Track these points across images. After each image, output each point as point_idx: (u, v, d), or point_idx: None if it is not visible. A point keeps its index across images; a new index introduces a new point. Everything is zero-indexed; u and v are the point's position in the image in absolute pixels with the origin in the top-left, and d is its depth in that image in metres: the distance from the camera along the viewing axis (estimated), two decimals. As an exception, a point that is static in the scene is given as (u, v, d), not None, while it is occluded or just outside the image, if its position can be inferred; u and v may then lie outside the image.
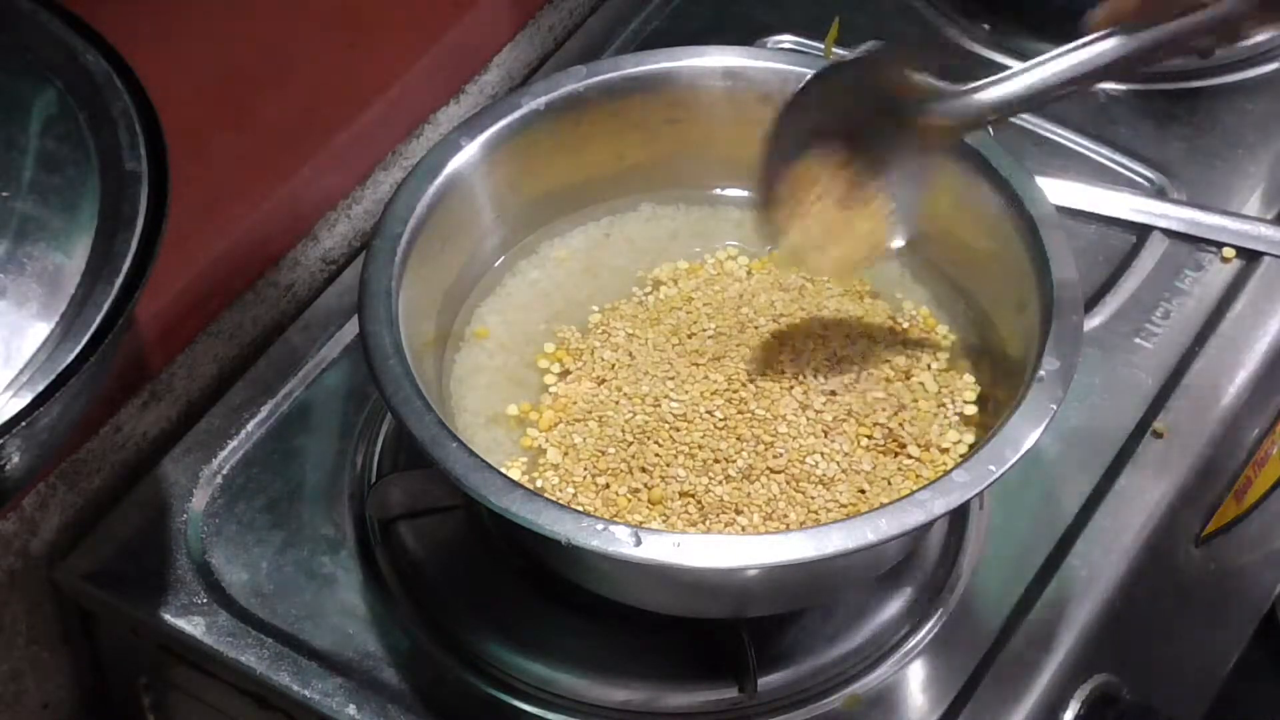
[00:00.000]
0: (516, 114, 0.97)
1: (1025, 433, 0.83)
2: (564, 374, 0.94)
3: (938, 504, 0.81)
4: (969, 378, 0.94)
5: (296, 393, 1.04)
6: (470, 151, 0.95)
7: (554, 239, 1.01)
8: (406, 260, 0.91)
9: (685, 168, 1.01)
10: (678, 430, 0.91)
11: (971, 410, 0.93)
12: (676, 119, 1.00)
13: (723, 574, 0.82)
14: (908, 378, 0.94)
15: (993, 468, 0.82)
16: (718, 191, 1.02)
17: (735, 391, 0.92)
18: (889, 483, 0.89)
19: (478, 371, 0.96)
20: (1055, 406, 0.84)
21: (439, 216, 0.93)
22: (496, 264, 0.99)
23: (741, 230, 1.01)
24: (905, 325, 0.97)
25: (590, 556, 0.81)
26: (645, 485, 0.89)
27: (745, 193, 1.02)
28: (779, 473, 0.89)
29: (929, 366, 0.95)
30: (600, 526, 0.80)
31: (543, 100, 0.97)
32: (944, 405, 0.93)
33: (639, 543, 0.80)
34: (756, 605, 0.90)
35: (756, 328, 0.95)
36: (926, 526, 0.81)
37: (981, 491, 0.82)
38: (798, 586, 0.88)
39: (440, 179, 0.94)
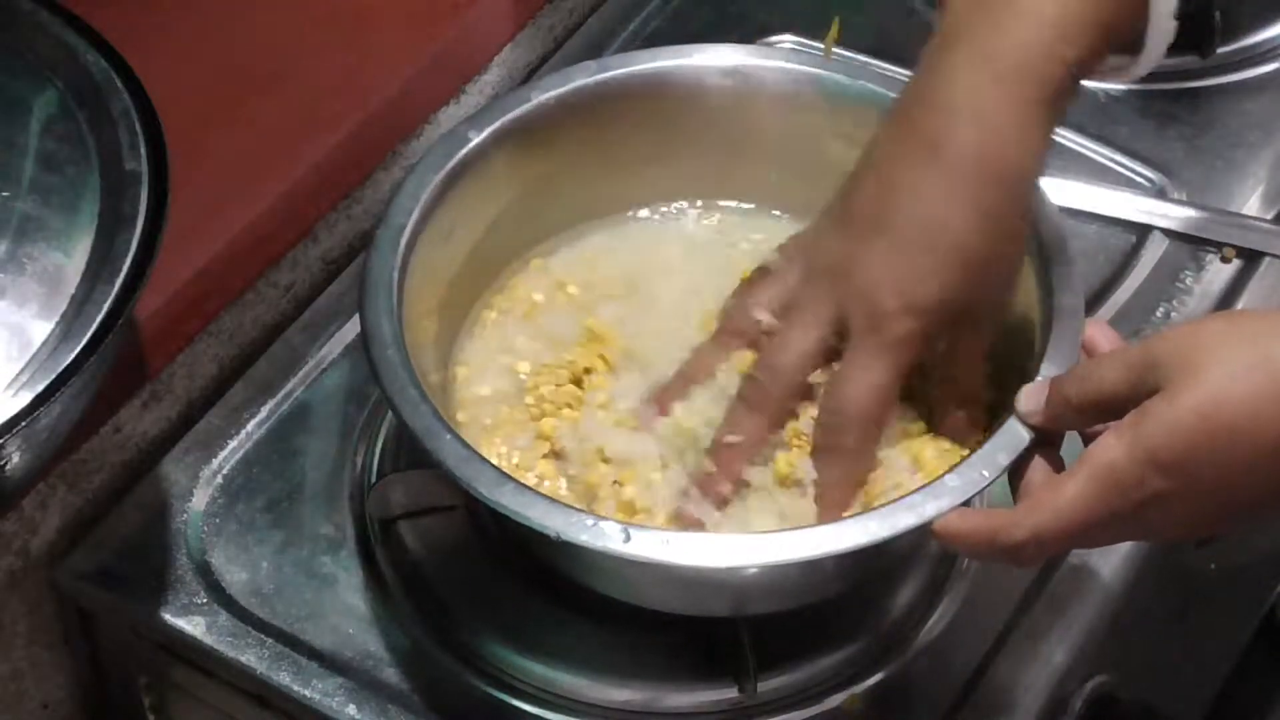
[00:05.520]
0: (525, 108, 0.96)
1: (1023, 436, 0.83)
2: (564, 386, 0.94)
3: (929, 507, 0.81)
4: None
5: (296, 393, 1.04)
6: (477, 144, 0.95)
7: (558, 236, 1.00)
8: (410, 251, 0.90)
9: (690, 168, 1.01)
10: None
11: None
12: (685, 118, 0.99)
13: (712, 573, 0.82)
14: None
15: (986, 472, 0.82)
16: (719, 194, 1.02)
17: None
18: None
19: (479, 369, 0.95)
20: (1054, 407, 0.84)
21: (444, 209, 0.93)
22: (501, 258, 0.99)
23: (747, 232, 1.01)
24: None
25: (584, 553, 0.81)
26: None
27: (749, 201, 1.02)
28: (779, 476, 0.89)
29: None
30: (590, 522, 0.80)
31: (552, 94, 0.97)
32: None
33: (628, 539, 0.80)
34: (752, 604, 0.89)
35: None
36: (918, 530, 0.81)
37: (974, 496, 0.82)
38: (792, 586, 0.88)
39: (446, 171, 0.93)
